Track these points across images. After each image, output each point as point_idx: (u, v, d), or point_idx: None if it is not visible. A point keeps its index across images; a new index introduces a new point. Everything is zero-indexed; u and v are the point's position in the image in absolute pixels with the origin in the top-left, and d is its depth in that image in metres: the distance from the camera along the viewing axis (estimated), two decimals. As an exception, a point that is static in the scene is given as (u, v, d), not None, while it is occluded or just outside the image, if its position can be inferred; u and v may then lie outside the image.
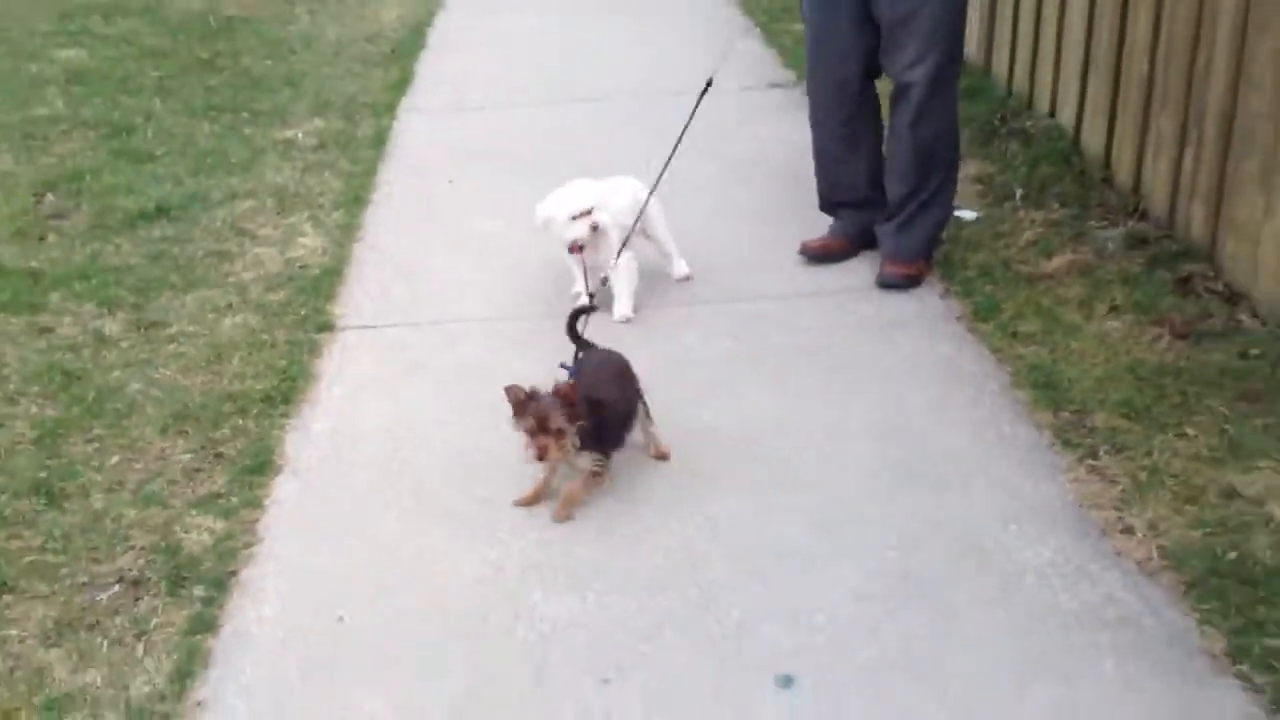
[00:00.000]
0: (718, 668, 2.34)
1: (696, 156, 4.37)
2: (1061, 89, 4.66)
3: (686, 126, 3.57)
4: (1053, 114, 4.75)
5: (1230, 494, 2.73)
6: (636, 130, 5.10)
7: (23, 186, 4.92)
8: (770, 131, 5.17)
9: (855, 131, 3.91)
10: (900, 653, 2.36)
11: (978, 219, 4.25)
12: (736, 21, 6.91)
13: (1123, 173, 4.18)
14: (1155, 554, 2.58)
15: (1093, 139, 4.39)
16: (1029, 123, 4.84)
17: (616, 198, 3.74)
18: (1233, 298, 3.49)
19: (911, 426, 3.09)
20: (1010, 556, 2.61)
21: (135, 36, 7.18)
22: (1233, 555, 2.54)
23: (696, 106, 3.57)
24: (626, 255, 3.66)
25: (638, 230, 3.67)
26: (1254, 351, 3.23)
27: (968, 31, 5.27)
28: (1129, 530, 2.67)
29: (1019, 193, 4.36)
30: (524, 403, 2.68)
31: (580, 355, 2.99)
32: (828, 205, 4.11)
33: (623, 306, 3.69)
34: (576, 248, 3.64)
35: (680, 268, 3.92)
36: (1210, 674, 2.27)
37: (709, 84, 3.65)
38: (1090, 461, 2.90)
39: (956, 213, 4.21)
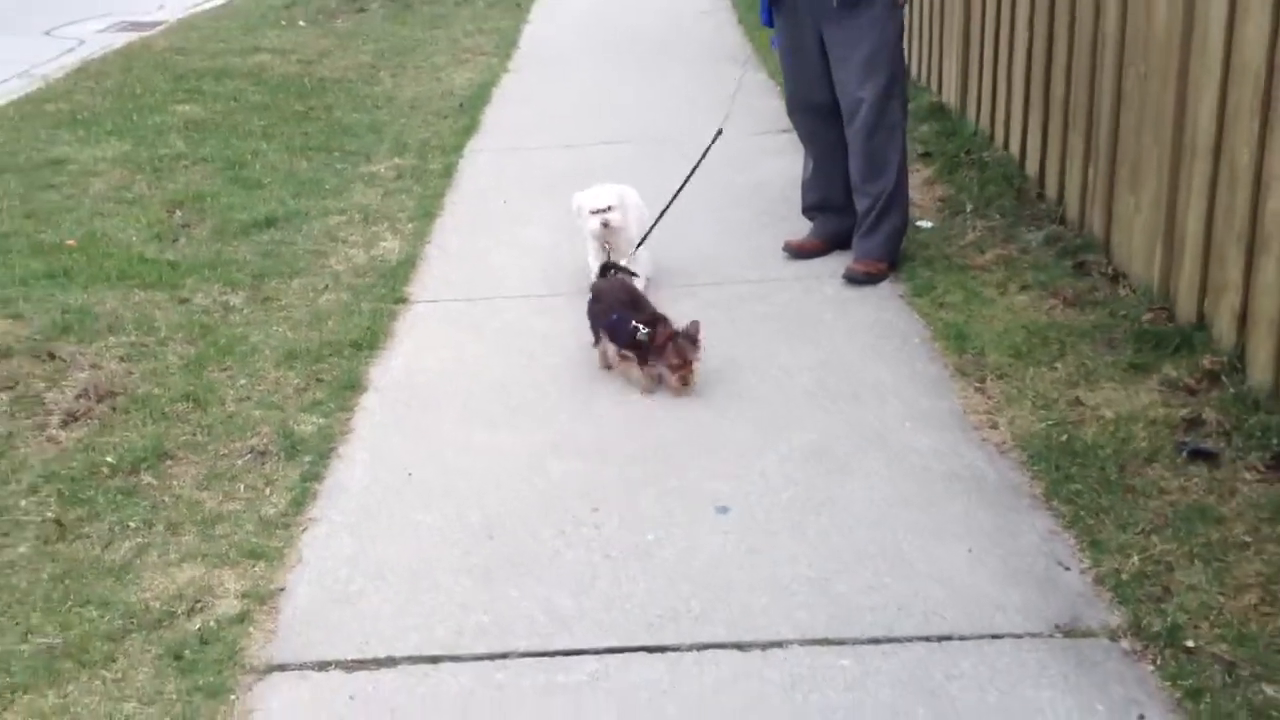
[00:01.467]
0: (674, 503, 3.27)
1: (710, 186, 5.36)
2: (1012, 124, 5.60)
3: (698, 165, 4.62)
4: (1006, 146, 5.69)
5: (1075, 403, 3.63)
6: (660, 164, 6.05)
7: (156, 203, 5.99)
8: (773, 166, 6.12)
9: (830, 148, 4.86)
10: (809, 496, 3.28)
11: (932, 227, 5.18)
12: (756, 80, 7.90)
13: (1050, 187, 5.11)
14: (1010, 439, 3.49)
15: (1030, 162, 5.33)
16: (986, 154, 5.78)
17: (636, 199, 4.72)
18: (1115, 277, 4.40)
19: (846, 365, 4.03)
20: (902, 441, 3.53)
21: (241, 94, 8.30)
22: (1064, 438, 3.43)
23: (707, 150, 4.62)
24: (643, 249, 4.63)
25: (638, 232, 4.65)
26: (1121, 313, 4.13)
27: (947, 82, 6.28)
28: (994, 426, 3.57)
29: (969, 207, 5.29)
30: (663, 345, 3.80)
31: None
32: (808, 210, 5.07)
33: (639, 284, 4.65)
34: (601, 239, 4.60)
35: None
36: (1029, 508, 3.17)
37: (719, 133, 4.68)
38: (977, 385, 3.82)
39: (917, 222, 5.16)
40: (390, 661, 2.71)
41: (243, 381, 4.08)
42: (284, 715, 2.58)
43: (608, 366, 4.06)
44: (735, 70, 7.22)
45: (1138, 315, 4.09)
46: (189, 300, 4.77)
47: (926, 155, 6.05)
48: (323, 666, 2.72)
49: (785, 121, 6.80)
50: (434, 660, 2.71)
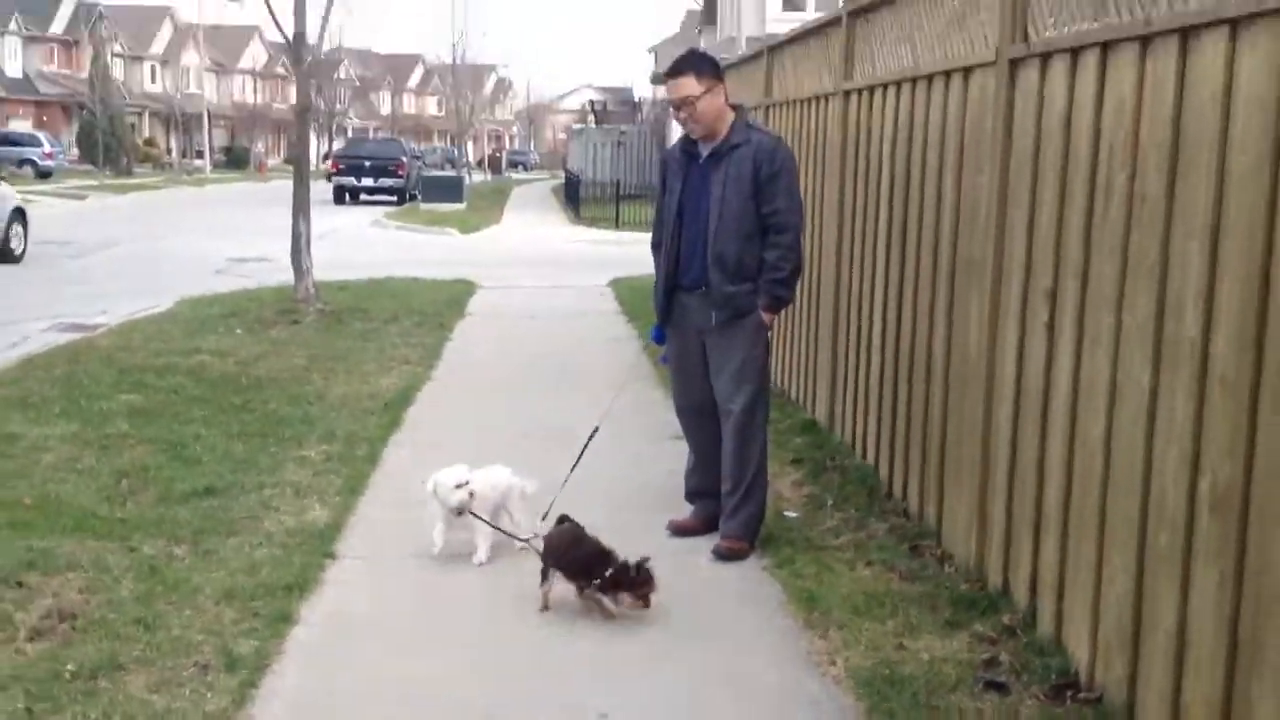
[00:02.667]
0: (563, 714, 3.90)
1: (606, 478, 6.16)
2: (868, 437, 6.53)
3: (585, 449, 5.49)
4: (864, 456, 6.59)
5: (899, 648, 4.35)
6: (561, 457, 6.82)
7: (104, 473, 6.62)
8: (661, 465, 6.94)
9: (707, 442, 5.71)
10: (678, 710, 3.92)
11: (797, 517, 5.99)
12: (652, 396, 8.83)
13: (896, 488, 5.99)
14: (844, 673, 4.19)
15: (883, 468, 6.22)
16: (848, 461, 6.67)
17: (486, 477, 5.46)
18: (943, 558, 5.20)
19: (713, 617, 4.73)
20: (756, 677, 4.20)
21: (181, 388, 9.03)
22: (887, 672, 4.13)
23: (589, 440, 5.49)
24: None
25: (501, 503, 5.40)
26: (945, 584, 4.91)
27: (819, 403, 7.24)
28: (833, 664, 4.28)
29: (830, 502, 6.12)
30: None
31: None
32: (690, 495, 5.87)
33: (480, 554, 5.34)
34: (459, 511, 5.31)
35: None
36: (836, 716, 3.84)
37: (595, 430, 5.55)
38: (821, 635, 4.53)
39: (784, 513, 5.97)
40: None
41: (187, 612, 4.66)
42: None
43: (546, 607, 4.70)
44: (630, 385, 8.14)
45: (957, 585, 4.87)
46: (137, 549, 5.36)
47: (798, 461, 6.92)
48: (259, 820, 3.26)
49: (673, 429, 7.73)
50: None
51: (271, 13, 13.25)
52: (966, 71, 5.09)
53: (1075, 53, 4.07)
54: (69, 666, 4.14)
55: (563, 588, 4.78)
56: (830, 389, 7.32)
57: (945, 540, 5.29)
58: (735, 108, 5.53)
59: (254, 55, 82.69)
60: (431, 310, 13.72)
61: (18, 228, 18.68)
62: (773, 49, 9.28)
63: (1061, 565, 4.15)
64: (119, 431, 7.58)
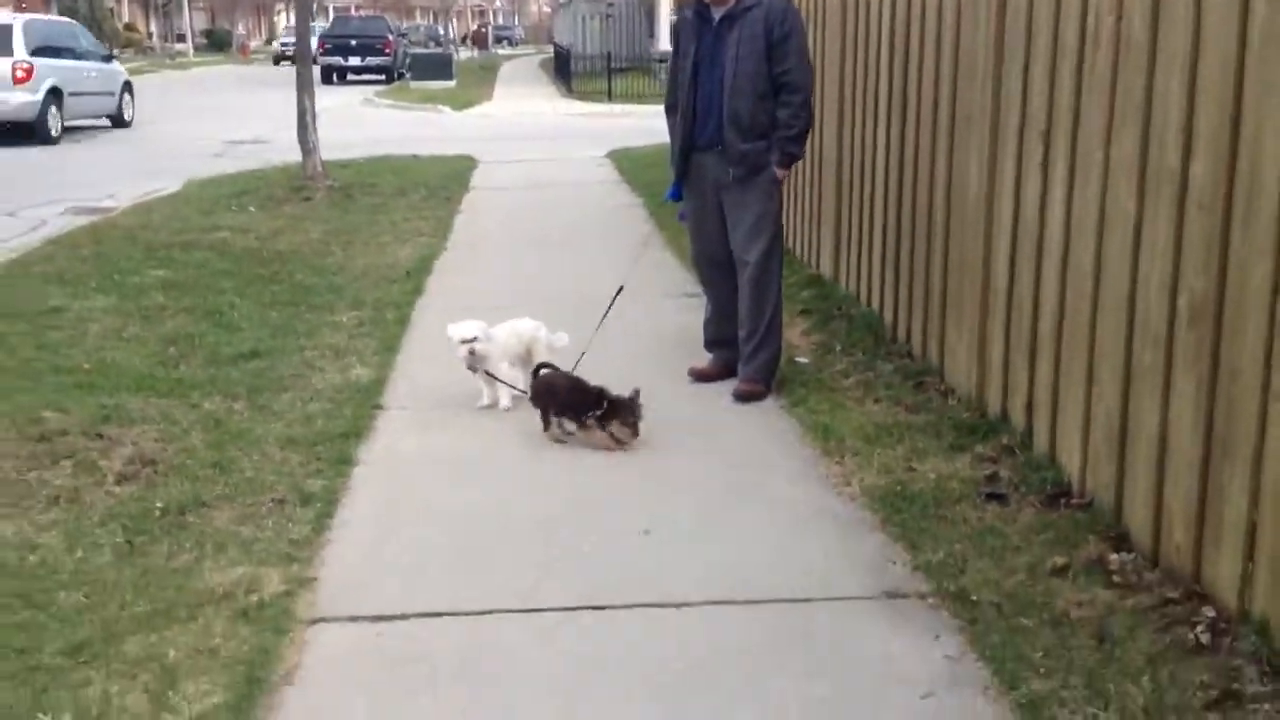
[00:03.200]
0: (610, 526, 4.34)
1: (626, 332, 6.54)
2: (873, 285, 6.91)
3: (610, 306, 5.83)
4: (869, 304, 6.98)
5: (908, 469, 4.79)
6: (581, 317, 7.19)
7: (152, 340, 7.00)
8: (678, 319, 7.34)
9: (725, 293, 6.10)
10: (712, 524, 4.36)
11: (808, 363, 6.40)
12: (662, 257, 9.20)
13: (900, 331, 6.39)
14: (859, 492, 4.62)
15: (887, 313, 6.62)
16: (854, 310, 7.06)
17: (512, 327, 5.86)
18: (946, 392, 5.62)
19: (739, 450, 5.16)
20: (780, 493, 4.65)
21: (208, 262, 9.39)
22: (898, 489, 4.58)
23: (614, 300, 5.85)
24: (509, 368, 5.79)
25: (525, 353, 5.81)
26: (948, 415, 5.33)
27: (824, 258, 7.60)
28: (848, 484, 4.71)
29: (838, 347, 6.54)
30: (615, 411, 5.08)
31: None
32: (709, 344, 6.27)
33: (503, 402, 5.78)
34: (470, 365, 5.72)
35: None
36: (870, 530, 4.29)
37: (620, 289, 5.91)
38: (837, 460, 4.97)
39: (796, 359, 6.38)
40: (402, 616, 3.72)
41: (256, 457, 5.08)
42: (327, 650, 3.56)
43: (560, 440, 5.16)
44: (642, 249, 8.49)
45: (959, 414, 5.30)
46: (198, 405, 5.77)
47: (806, 312, 7.32)
48: (354, 619, 3.71)
49: (688, 286, 8.12)
50: (436, 615, 3.72)
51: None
52: (964, -70, 5.36)
53: (1067, -91, 4.36)
54: (158, 504, 4.57)
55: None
56: (835, 243, 7.68)
57: (948, 375, 5.70)
58: (745, -30, 5.80)
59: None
60: (437, 184, 14.00)
61: (128, 98, 23.29)
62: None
63: (1055, 386, 4.56)
64: (156, 303, 7.95)
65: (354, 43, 39.92)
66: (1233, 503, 3.44)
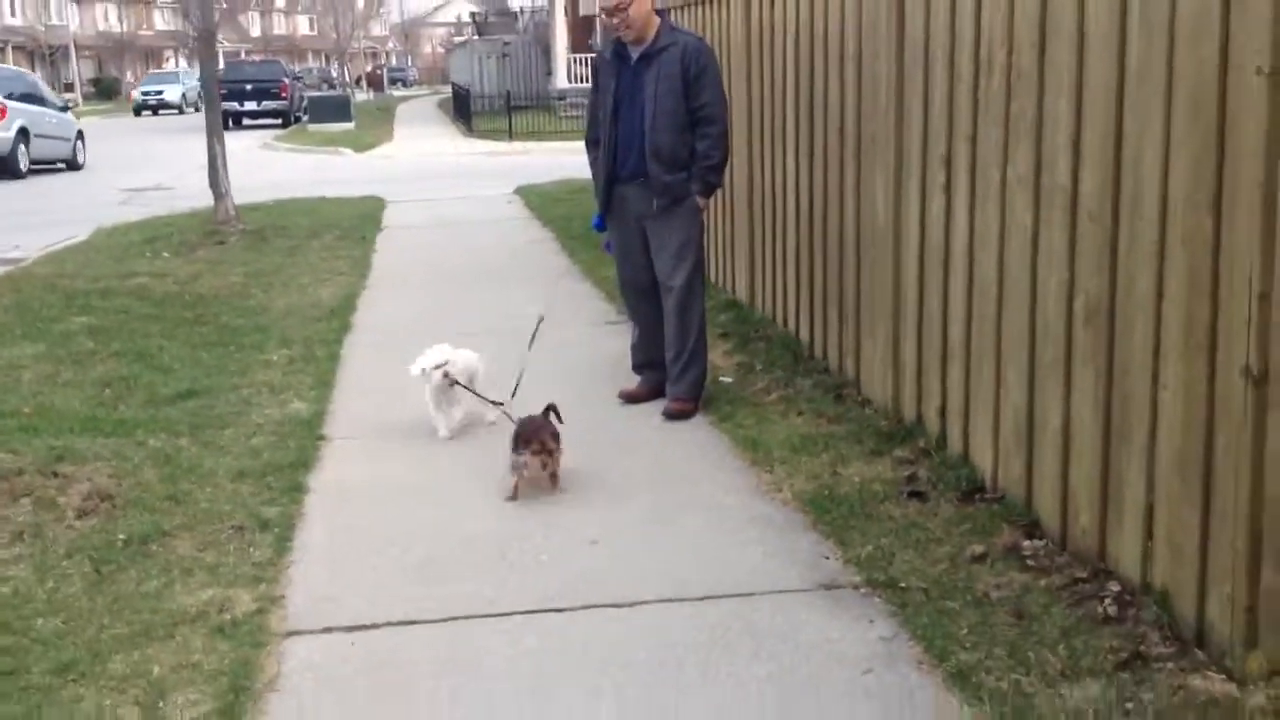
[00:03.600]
0: (560, 537, 4.61)
1: (555, 361, 6.81)
2: (788, 307, 7.27)
3: (535, 332, 6.11)
4: (785, 325, 7.34)
5: (834, 474, 5.12)
6: (506, 349, 7.43)
7: (87, 384, 7.10)
8: (603, 346, 7.64)
9: (651, 318, 6.40)
10: (652, 532, 4.65)
11: (732, 381, 6.73)
12: (582, 288, 9.49)
13: (818, 349, 6.74)
14: (790, 497, 4.94)
15: (804, 333, 6.97)
16: (771, 331, 7.42)
17: (458, 357, 6.08)
18: (864, 402, 5.98)
19: (672, 464, 5.46)
20: (716, 501, 4.95)
21: (130, 308, 9.46)
22: (826, 493, 4.90)
23: (536, 329, 6.13)
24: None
25: (470, 380, 6.02)
26: (867, 424, 5.68)
27: (739, 281, 7.94)
28: (779, 490, 5.03)
29: (759, 367, 6.87)
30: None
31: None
32: (637, 367, 6.56)
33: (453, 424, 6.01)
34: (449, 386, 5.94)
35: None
36: (803, 530, 4.60)
37: (540, 319, 6.20)
38: (766, 470, 5.28)
39: (720, 378, 6.70)
40: (374, 625, 3.94)
41: (209, 489, 5.26)
42: (304, 659, 3.77)
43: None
44: (558, 280, 8.78)
45: (877, 423, 5.65)
46: (144, 443, 5.91)
47: (725, 335, 7.64)
48: (327, 630, 3.93)
49: (610, 315, 8.41)
50: (406, 623, 3.95)
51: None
52: (863, -28, 5.75)
53: (959, -48, 4.76)
54: (120, 535, 4.74)
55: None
56: (750, 268, 8.04)
57: (864, 387, 6.06)
58: (659, 13, 6.14)
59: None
60: (349, 225, 14.17)
61: (80, 144, 26.07)
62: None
63: (966, 390, 4.93)
64: (85, 348, 8.04)
65: (249, 87, 39.77)
66: (1131, 486, 3.81)
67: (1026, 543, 4.26)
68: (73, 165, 25.44)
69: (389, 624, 3.97)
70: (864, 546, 4.37)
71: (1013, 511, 4.49)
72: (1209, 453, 3.41)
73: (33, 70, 68.76)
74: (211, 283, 10.52)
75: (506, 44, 45.41)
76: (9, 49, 66.62)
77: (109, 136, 36.21)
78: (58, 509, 5.01)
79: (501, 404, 5.87)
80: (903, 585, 4.04)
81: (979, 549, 4.24)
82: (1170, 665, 3.40)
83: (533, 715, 3.42)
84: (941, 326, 5.13)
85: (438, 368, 5.89)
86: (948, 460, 5.04)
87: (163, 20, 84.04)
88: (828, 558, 4.36)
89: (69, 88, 65.28)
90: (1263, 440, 3.21)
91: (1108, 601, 3.76)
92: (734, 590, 4.12)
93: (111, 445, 5.81)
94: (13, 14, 70.00)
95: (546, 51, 40.82)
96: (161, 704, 3.49)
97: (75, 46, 65.23)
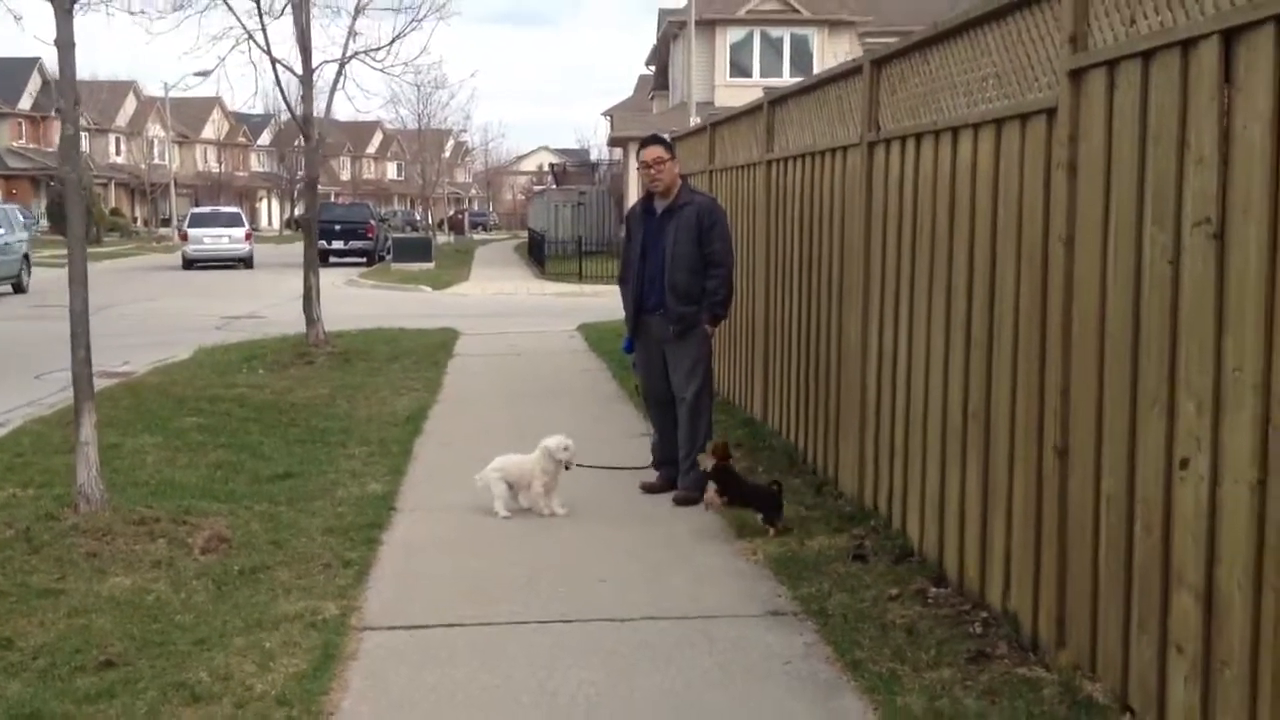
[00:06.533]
0: (573, 579, 5.92)
1: (594, 462, 8.19)
2: (790, 423, 8.60)
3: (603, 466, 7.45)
4: (787, 437, 8.66)
5: (801, 544, 6.38)
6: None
7: (201, 467, 8.57)
8: (632, 450, 8.97)
9: (668, 424, 7.76)
10: (645, 574, 5.94)
11: (735, 481, 8.03)
12: (627, 409, 10.86)
13: (808, 454, 8.05)
14: (762, 557, 6.22)
15: (799, 442, 8.29)
16: (775, 441, 8.74)
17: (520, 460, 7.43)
18: (838, 495, 7.26)
19: (675, 534, 6.76)
20: (702, 560, 6.24)
21: (233, 412, 10.98)
22: (790, 555, 6.17)
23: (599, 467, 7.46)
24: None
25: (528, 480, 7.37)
26: (835, 510, 6.97)
27: (755, 401, 9.28)
28: (755, 553, 6.31)
29: (761, 468, 8.18)
30: None
31: None
32: (655, 464, 7.90)
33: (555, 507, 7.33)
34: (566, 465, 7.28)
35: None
36: (765, 580, 5.87)
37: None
38: (748, 541, 6.57)
39: (725, 478, 8.01)
40: (429, 626, 5.26)
41: (303, 540, 6.63)
42: (376, 643, 5.09)
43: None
44: (607, 405, 10.17)
45: (844, 509, 6.94)
46: (251, 508, 7.31)
47: (738, 445, 8.92)
48: (393, 628, 5.25)
49: (639, 429, 9.78)
50: (454, 625, 5.27)
51: (284, 98, 15.30)
52: (845, 149, 7.20)
53: (902, 140, 6.18)
54: (235, 566, 6.11)
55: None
56: (764, 391, 9.39)
57: (840, 482, 7.35)
58: (682, 177, 7.63)
59: (216, 125, 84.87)
60: (424, 352, 15.73)
61: (25, 268, 28.64)
62: (714, 125, 11.43)
63: (905, 479, 6.21)
64: (197, 441, 9.53)
65: (338, 227, 42.04)
66: (998, 541, 5.07)
67: (933, 589, 5.51)
68: (19, 288, 28.09)
69: (440, 625, 5.28)
70: (809, 588, 5.64)
71: (929, 569, 5.74)
72: (1039, 509, 4.68)
73: (132, 207, 73.01)
74: (302, 394, 12.04)
75: (582, 193, 47.69)
76: (112, 185, 70.56)
77: (211, 268, 38.69)
78: (186, 546, 6.39)
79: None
80: (830, 613, 5.30)
81: (894, 592, 5.50)
82: (1007, 661, 4.63)
83: (543, 676, 4.71)
84: (890, 430, 6.44)
85: (565, 449, 7.18)
86: (890, 534, 6.31)
87: (258, 163, 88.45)
88: (779, 596, 5.63)
89: (165, 222, 68.83)
90: (1066, 495, 4.49)
91: (977, 624, 5.00)
92: (702, 614, 5.41)
93: (225, 508, 7.22)
94: (117, 153, 74.21)
95: (619, 202, 42.93)
96: (272, 664, 4.82)
97: (175, 184, 68.92)
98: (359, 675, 4.79)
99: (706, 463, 6.99)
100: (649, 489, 7.81)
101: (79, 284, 6.90)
